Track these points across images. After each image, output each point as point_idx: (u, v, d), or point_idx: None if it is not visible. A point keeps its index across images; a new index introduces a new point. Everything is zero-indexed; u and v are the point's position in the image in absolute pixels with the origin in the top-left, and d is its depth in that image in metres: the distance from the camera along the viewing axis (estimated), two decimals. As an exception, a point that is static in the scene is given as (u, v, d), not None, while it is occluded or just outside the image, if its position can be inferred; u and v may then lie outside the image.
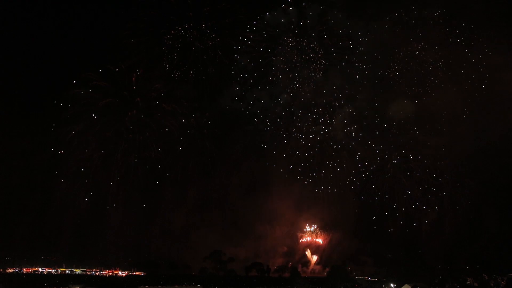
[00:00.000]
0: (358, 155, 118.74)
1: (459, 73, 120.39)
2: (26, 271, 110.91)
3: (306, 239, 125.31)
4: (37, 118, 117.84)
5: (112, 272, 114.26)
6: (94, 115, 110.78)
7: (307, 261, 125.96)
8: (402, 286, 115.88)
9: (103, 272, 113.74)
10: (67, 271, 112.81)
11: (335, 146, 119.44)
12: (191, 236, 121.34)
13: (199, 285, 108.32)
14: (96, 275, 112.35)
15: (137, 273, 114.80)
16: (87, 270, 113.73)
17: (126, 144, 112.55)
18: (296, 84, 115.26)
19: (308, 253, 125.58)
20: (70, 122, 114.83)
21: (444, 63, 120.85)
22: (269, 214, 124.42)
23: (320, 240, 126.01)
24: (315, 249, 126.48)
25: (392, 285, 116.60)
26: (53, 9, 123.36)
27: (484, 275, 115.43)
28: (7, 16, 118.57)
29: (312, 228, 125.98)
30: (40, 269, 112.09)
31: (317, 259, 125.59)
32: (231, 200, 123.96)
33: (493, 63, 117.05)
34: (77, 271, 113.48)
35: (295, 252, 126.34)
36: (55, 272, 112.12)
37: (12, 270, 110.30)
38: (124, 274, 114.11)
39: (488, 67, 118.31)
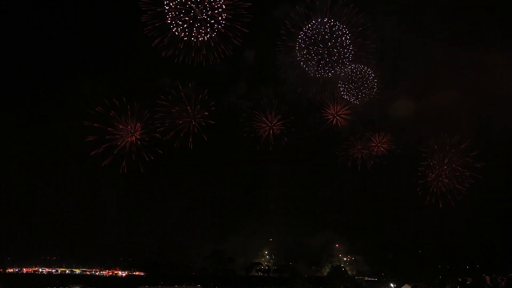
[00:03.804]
0: (361, 153, 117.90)
1: (462, 71, 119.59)
2: (26, 271, 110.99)
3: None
4: (35, 115, 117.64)
5: (112, 272, 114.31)
6: (93, 113, 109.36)
7: None
8: (402, 286, 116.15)
9: (103, 272, 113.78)
10: (67, 271, 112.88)
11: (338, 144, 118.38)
12: (185, 234, 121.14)
13: (199, 285, 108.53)
14: (96, 275, 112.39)
15: (137, 273, 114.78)
16: (87, 270, 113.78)
17: (125, 143, 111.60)
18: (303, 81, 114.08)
19: None
20: (68, 119, 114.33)
21: (448, 62, 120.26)
22: (263, 212, 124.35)
23: None
24: None
25: (392, 285, 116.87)
26: (55, 5, 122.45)
27: (484, 275, 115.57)
28: (10, 13, 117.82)
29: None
30: (40, 269, 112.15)
31: None
32: (227, 198, 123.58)
33: (496, 62, 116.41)
34: (77, 271, 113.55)
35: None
36: (55, 272, 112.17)
37: (12, 270, 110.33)
38: (124, 274, 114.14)
39: (490, 67, 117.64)
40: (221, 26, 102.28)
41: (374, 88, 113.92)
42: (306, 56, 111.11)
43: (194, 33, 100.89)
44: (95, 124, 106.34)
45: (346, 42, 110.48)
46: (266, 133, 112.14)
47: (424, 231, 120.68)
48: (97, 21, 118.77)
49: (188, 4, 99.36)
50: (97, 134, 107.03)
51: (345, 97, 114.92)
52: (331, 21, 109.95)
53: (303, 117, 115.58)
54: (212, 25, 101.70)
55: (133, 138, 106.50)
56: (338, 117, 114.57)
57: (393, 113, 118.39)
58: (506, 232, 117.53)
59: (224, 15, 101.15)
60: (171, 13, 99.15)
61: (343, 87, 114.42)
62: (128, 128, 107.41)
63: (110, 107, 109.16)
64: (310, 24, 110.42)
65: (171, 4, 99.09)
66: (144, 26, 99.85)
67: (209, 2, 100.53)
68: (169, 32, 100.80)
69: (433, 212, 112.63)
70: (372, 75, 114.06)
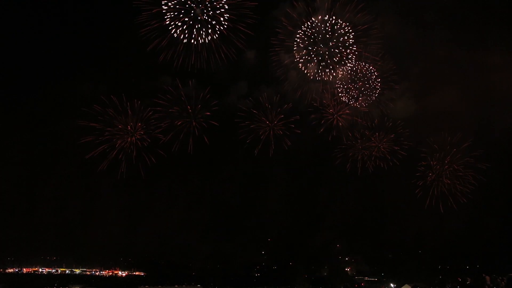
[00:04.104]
0: (362, 154, 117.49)
1: (463, 71, 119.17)
2: (26, 271, 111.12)
3: None
4: (34, 114, 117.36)
5: (112, 272, 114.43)
6: (92, 113, 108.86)
7: None
8: (402, 286, 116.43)
9: (103, 272, 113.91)
10: (67, 271, 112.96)
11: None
12: (185, 234, 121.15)
13: (199, 285, 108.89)
14: (96, 275, 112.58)
15: (137, 273, 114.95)
16: (87, 270, 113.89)
17: (124, 142, 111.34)
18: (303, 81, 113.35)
19: None
20: (68, 119, 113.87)
21: (449, 62, 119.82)
22: (262, 212, 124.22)
23: None
24: None
25: (392, 285, 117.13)
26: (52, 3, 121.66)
27: (484, 275, 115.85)
28: (11, 10, 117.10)
29: None
30: (40, 269, 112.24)
31: None
32: (227, 198, 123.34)
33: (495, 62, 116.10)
34: (77, 271, 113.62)
35: None
36: (55, 272, 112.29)
37: (12, 270, 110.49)
38: (124, 274, 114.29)
39: (490, 67, 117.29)
40: (224, 27, 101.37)
41: (378, 88, 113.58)
42: (305, 57, 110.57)
43: (195, 35, 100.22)
44: (93, 124, 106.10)
45: (349, 41, 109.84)
46: (266, 133, 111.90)
47: (424, 231, 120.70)
48: (94, 20, 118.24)
49: (188, 4, 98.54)
50: (94, 135, 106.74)
51: (343, 99, 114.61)
52: (333, 19, 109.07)
53: (303, 118, 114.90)
54: (213, 26, 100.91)
55: (133, 139, 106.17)
56: (338, 118, 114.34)
57: (394, 113, 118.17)
58: (506, 232, 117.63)
59: (226, 16, 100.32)
60: (170, 13, 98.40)
61: (344, 87, 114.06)
62: (128, 128, 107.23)
63: (109, 106, 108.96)
64: (310, 22, 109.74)
65: (169, 4, 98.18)
66: (142, 27, 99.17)
67: (211, 2, 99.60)
68: (167, 34, 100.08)
69: (434, 215, 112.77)
70: (375, 74, 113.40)
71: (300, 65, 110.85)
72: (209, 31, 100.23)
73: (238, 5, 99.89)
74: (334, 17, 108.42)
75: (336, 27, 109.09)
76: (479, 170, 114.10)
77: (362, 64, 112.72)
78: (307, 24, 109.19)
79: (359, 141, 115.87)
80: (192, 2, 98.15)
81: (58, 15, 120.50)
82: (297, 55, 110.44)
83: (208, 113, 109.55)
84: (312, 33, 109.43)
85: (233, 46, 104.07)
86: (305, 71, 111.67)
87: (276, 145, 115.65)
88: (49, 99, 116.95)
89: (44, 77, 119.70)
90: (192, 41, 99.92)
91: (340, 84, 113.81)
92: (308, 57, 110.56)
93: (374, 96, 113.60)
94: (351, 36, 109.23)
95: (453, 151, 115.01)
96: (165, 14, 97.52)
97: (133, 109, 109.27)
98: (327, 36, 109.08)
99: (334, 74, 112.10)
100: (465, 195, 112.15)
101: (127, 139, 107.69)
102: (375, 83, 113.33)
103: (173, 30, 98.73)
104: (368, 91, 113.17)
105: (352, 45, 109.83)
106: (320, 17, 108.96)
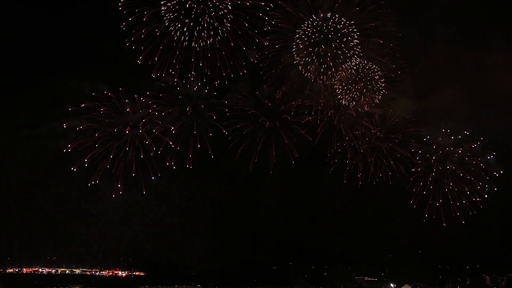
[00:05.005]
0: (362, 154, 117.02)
1: (464, 71, 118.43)
2: (26, 271, 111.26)
3: None
4: (33, 114, 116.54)
5: (112, 272, 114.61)
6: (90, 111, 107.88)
7: None
8: (402, 286, 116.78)
9: (103, 272, 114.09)
10: (67, 271, 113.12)
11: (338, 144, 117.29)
12: (185, 234, 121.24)
13: (199, 285, 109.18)
14: (96, 275, 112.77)
15: (137, 273, 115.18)
16: (87, 270, 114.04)
17: (123, 143, 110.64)
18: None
19: None
20: (67, 116, 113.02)
21: (448, 61, 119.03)
22: (262, 212, 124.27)
23: None
24: None
25: (392, 285, 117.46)
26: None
27: (484, 275, 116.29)
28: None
29: None
30: (40, 269, 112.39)
31: None
32: (227, 198, 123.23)
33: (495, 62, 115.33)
34: (77, 271, 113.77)
35: None
36: (55, 272, 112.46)
37: (12, 270, 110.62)
38: (124, 274, 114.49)
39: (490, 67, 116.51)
40: (226, 29, 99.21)
41: (381, 89, 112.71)
42: (306, 58, 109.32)
43: (195, 37, 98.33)
44: (91, 124, 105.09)
45: (353, 41, 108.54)
46: (266, 136, 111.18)
47: (425, 232, 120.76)
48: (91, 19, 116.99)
49: (188, 4, 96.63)
50: (90, 136, 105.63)
51: (343, 102, 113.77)
52: (336, 17, 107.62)
53: (303, 119, 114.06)
54: (216, 28, 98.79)
55: (136, 140, 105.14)
56: (340, 119, 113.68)
57: (395, 113, 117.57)
58: (506, 232, 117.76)
59: (229, 17, 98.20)
60: (169, 15, 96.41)
61: (345, 88, 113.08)
62: (128, 129, 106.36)
63: (107, 105, 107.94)
64: (311, 20, 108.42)
65: (168, 4, 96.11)
66: (142, 26, 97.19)
67: (212, 1, 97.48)
68: (166, 36, 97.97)
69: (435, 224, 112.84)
70: (378, 74, 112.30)
71: (300, 67, 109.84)
72: (211, 33, 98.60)
73: (242, 5, 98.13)
74: (337, 15, 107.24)
75: (339, 26, 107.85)
76: (479, 169, 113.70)
77: (364, 62, 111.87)
78: (308, 23, 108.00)
79: (359, 142, 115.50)
80: (193, 2, 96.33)
81: (54, 13, 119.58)
82: (297, 56, 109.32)
83: (209, 114, 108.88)
84: (313, 33, 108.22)
85: (237, 49, 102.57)
86: (306, 74, 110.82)
87: (277, 150, 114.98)
88: (48, 99, 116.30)
89: (42, 76, 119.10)
90: (193, 44, 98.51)
91: (340, 85, 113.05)
92: (309, 59, 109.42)
93: (377, 98, 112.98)
94: (355, 36, 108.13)
95: (455, 151, 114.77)
96: (164, 15, 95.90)
97: (133, 108, 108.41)
98: (329, 36, 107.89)
99: (336, 76, 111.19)
100: (474, 204, 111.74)
101: (127, 140, 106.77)
102: (379, 83, 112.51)
103: (173, 32, 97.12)
104: (370, 93, 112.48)
105: (355, 45, 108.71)
106: (322, 15, 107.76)
